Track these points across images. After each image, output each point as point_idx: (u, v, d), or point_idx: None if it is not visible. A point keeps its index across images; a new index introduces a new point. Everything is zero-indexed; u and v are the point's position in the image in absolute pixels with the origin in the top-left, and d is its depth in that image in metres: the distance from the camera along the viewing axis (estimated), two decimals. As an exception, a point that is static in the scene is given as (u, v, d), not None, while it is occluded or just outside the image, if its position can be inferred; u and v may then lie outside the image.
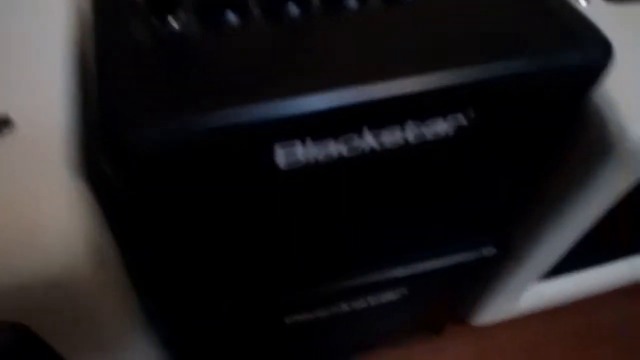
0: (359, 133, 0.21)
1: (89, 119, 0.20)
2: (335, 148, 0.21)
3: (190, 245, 0.23)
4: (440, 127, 0.22)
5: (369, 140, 0.21)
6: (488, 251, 0.33)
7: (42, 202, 0.19)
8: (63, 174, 0.19)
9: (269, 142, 0.20)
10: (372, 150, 0.22)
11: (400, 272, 0.32)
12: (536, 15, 0.22)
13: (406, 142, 0.22)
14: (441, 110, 0.21)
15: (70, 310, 0.22)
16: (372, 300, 0.34)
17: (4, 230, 0.18)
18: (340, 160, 0.21)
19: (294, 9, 0.22)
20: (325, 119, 0.20)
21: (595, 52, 0.21)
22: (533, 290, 0.42)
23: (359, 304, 0.34)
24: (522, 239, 0.34)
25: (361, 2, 0.23)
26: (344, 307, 0.34)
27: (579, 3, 0.27)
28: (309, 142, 0.20)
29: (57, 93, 0.21)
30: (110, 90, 0.18)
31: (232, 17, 0.22)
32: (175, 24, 0.21)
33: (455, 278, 0.36)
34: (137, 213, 0.20)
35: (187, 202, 0.20)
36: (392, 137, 0.21)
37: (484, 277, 0.38)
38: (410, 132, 0.21)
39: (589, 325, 0.47)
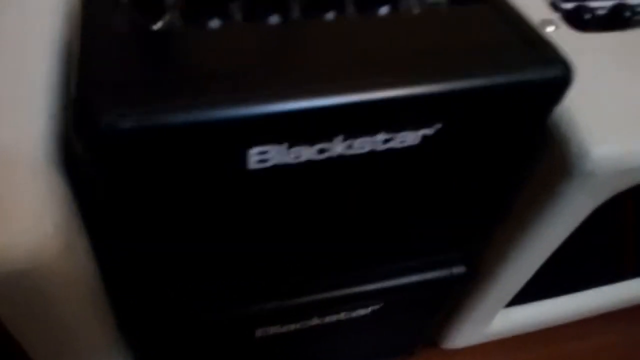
0: (329, 137, 0.22)
1: (67, 104, 0.20)
2: (305, 151, 0.22)
3: (158, 238, 0.23)
4: (408, 136, 0.23)
5: (337, 145, 0.22)
6: (458, 270, 0.34)
7: (10, 187, 0.19)
8: (36, 162, 0.20)
9: (238, 142, 0.20)
10: (340, 156, 0.22)
11: (370, 287, 0.33)
12: (500, 33, 0.23)
13: (374, 149, 0.23)
14: (407, 120, 0.22)
15: (36, 303, 0.22)
16: (344, 315, 0.35)
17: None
18: (309, 163, 0.22)
19: (274, 18, 0.24)
20: (297, 123, 0.21)
21: (555, 70, 0.22)
22: (504, 316, 0.43)
23: (330, 318, 0.34)
24: (491, 260, 0.35)
25: (338, 12, 0.24)
26: (316, 321, 0.34)
27: (546, 30, 0.29)
28: (279, 144, 0.21)
29: (39, 86, 0.22)
30: (88, 76, 0.19)
31: (215, 22, 0.23)
32: (159, 24, 0.22)
33: (426, 297, 0.36)
34: (107, 201, 0.21)
35: (154, 193, 0.21)
36: (360, 143, 0.22)
37: (454, 298, 0.38)
38: (379, 140, 0.22)
39: (559, 355, 0.48)
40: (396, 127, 0.22)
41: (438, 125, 0.23)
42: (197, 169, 0.21)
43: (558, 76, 0.23)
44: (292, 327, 0.34)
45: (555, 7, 0.31)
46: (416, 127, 0.22)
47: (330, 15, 0.24)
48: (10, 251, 0.18)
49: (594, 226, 0.33)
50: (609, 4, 0.32)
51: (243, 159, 0.21)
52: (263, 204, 0.24)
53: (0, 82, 0.22)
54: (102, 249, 0.24)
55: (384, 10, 0.25)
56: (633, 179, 0.28)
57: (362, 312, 0.35)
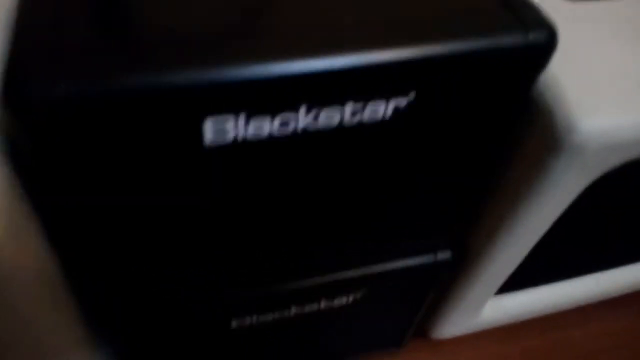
0: (295, 109, 0.20)
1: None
2: (267, 125, 0.20)
3: (113, 222, 0.22)
4: (378, 108, 0.21)
5: (302, 118, 0.20)
6: (443, 255, 0.32)
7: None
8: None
9: (192, 112, 0.19)
10: (305, 131, 0.21)
11: (350, 274, 0.31)
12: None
13: (342, 122, 0.21)
14: (376, 90, 0.20)
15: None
16: (324, 304, 0.33)
17: None
18: (272, 139, 0.21)
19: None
20: (259, 91, 0.19)
21: (537, 34, 0.21)
22: (495, 304, 0.41)
23: (311, 307, 0.33)
24: (478, 244, 0.33)
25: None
26: (295, 310, 0.33)
27: (533, -1, 0.27)
28: (237, 115, 0.19)
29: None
30: (22, 38, 0.17)
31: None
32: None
33: (411, 284, 0.35)
34: (49, 182, 0.19)
35: (101, 171, 0.19)
36: (327, 115, 0.20)
37: (441, 286, 0.37)
38: (347, 112, 0.21)
39: (556, 343, 0.46)
40: (364, 96, 0.20)
41: (412, 95, 0.21)
42: (148, 145, 0.19)
43: (540, 40, 0.21)
44: (270, 317, 0.32)
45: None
46: (387, 97, 0.21)
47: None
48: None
49: (590, 208, 0.31)
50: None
51: (197, 131, 0.19)
52: (227, 184, 0.22)
53: None
54: (53, 233, 0.22)
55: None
56: (626, 154, 0.26)
57: (344, 300, 0.33)
